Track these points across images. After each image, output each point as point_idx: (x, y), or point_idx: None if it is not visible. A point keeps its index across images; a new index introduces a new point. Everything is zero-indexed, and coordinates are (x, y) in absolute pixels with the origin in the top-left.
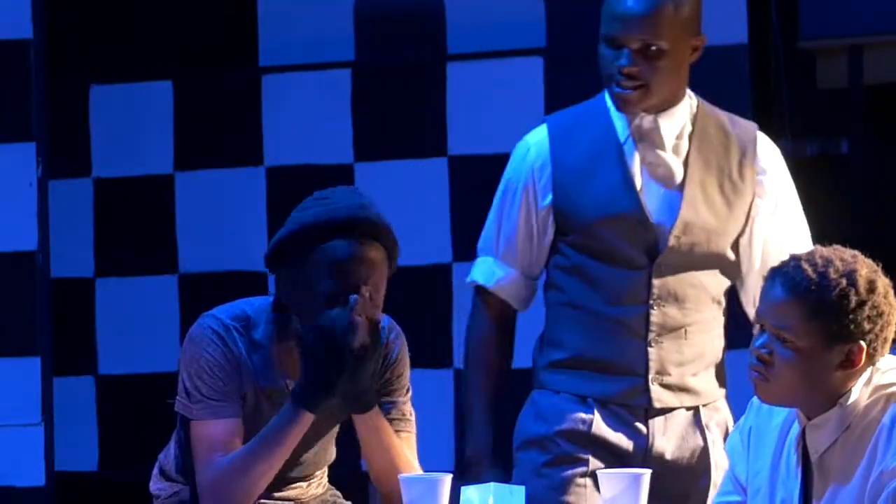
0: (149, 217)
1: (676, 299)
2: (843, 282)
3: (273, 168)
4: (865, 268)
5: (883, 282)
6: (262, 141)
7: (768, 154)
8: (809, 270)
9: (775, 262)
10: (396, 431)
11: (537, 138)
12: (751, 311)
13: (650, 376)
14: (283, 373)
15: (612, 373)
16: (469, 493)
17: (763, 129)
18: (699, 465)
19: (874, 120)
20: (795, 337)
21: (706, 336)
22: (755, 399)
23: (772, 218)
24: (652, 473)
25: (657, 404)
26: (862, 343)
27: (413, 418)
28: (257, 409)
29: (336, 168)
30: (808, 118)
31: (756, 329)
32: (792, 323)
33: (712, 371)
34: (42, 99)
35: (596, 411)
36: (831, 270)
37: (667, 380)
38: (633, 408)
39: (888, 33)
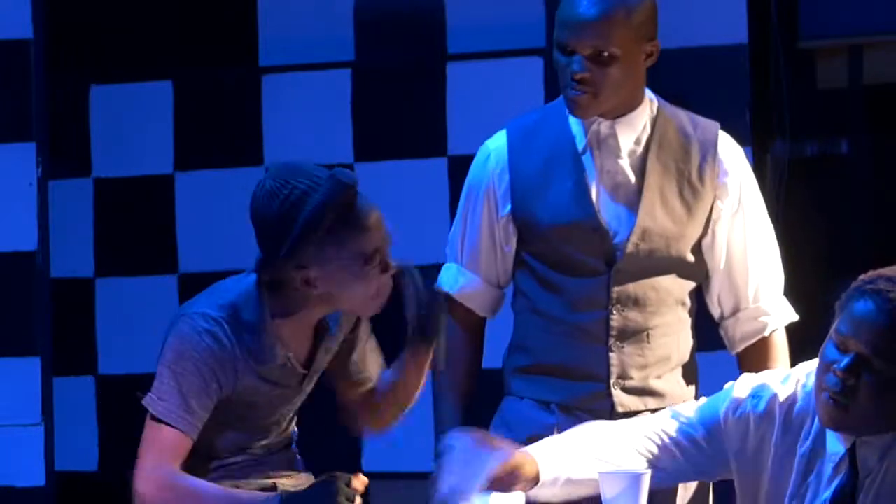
0: (149, 217)
1: (637, 303)
2: None
3: None
4: None
5: None
6: (262, 141)
7: (730, 154)
8: None
9: (740, 264)
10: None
11: (497, 144)
12: (716, 311)
13: (612, 381)
14: (279, 348)
15: (573, 378)
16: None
17: (763, 129)
18: None
19: (874, 120)
20: (888, 365)
21: (670, 339)
22: (767, 393)
23: (734, 219)
24: None
25: (620, 409)
26: None
27: None
28: (255, 389)
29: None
30: (808, 118)
31: (837, 346)
32: (890, 349)
33: (679, 372)
34: (42, 99)
35: (559, 417)
36: None
37: (629, 384)
38: (597, 412)
39: (888, 33)
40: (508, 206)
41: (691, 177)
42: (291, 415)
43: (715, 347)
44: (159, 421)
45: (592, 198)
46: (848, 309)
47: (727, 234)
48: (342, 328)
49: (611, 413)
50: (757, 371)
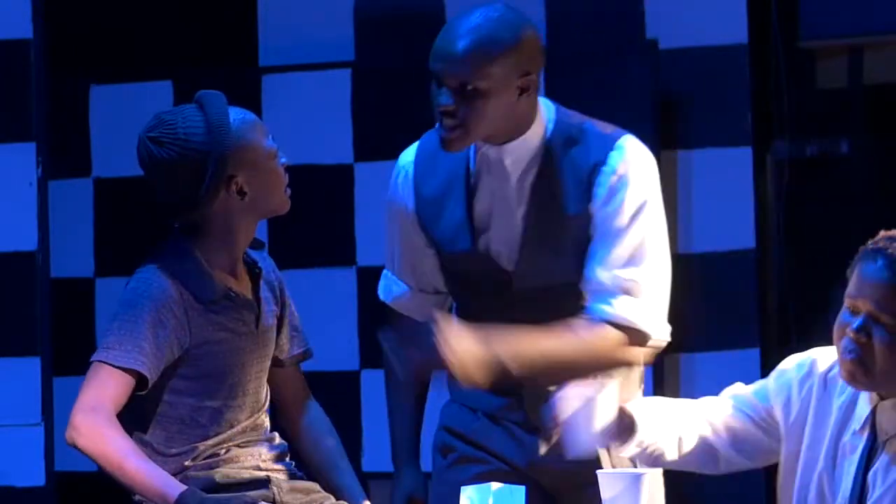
0: (149, 217)
1: (541, 324)
2: None
3: None
4: None
5: None
6: None
7: (617, 162)
8: None
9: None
10: (301, 363)
11: (406, 160)
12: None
13: (526, 393)
14: (217, 281)
15: (490, 390)
16: (469, 493)
17: (763, 129)
18: (590, 468)
19: (874, 120)
20: (892, 325)
21: None
22: (810, 359)
23: (603, 213)
24: (540, 478)
25: (537, 421)
26: None
27: None
28: (211, 335)
29: (336, 168)
30: (808, 118)
31: (850, 310)
32: (894, 310)
33: None
34: (42, 99)
35: (482, 421)
36: None
37: (543, 396)
38: (516, 421)
39: (888, 33)
40: (417, 226)
41: (575, 198)
42: (260, 380)
43: (715, 348)
44: (98, 362)
45: (479, 227)
46: (856, 272)
47: (597, 228)
48: (276, 285)
49: (526, 423)
50: None
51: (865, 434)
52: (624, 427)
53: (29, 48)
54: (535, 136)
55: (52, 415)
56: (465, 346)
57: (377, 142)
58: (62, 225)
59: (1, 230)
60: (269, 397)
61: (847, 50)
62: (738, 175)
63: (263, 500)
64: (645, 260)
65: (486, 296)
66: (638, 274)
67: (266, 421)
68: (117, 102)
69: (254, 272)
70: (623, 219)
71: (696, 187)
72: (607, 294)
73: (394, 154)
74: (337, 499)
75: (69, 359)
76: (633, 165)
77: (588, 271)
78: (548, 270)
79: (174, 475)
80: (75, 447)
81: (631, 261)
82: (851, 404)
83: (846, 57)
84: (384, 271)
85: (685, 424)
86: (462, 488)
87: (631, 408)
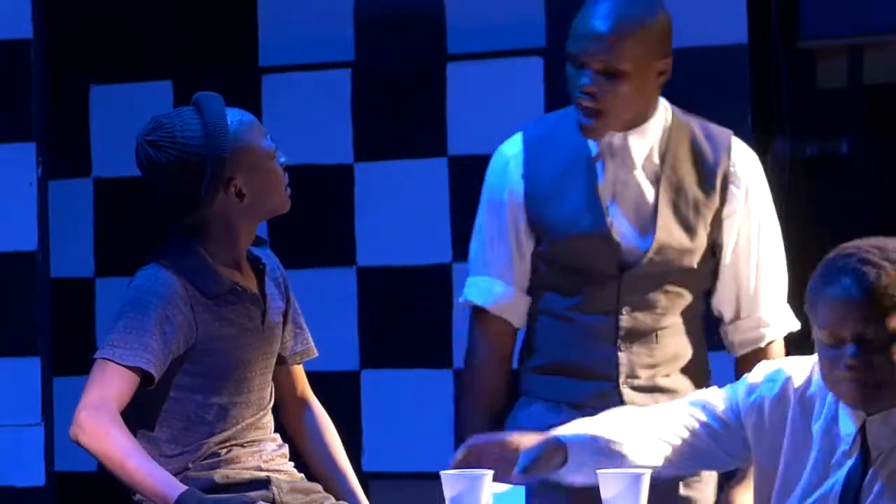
0: (149, 217)
1: (646, 306)
2: None
3: None
4: None
5: None
6: None
7: (741, 162)
8: (876, 255)
9: (743, 272)
10: (303, 361)
11: (514, 151)
12: (717, 315)
13: (620, 380)
14: (222, 275)
15: (583, 377)
16: None
17: (763, 129)
18: None
19: (874, 120)
20: (880, 334)
21: (679, 338)
22: (782, 375)
23: (741, 226)
24: None
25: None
26: None
27: None
28: (217, 332)
29: (336, 168)
30: (808, 118)
31: (828, 344)
32: (876, 320)
33: (688, 370)
34: (42, 99)
35: (569, 416)
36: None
37: (637, 382)
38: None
39: (888, 33)
40: (524, 216)
41: (704, 188)
42: (265, 377)
43: (720, 347)
44: (103, 359)
45: (604, 209)
46: (820, 304)
47: (733, 241)
48: (281, 282)
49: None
50: None
51: (855, 453)
52: (554, 455)
53: (29, 48)
54: (658, 122)
55: (52, 415)
56: None
57: (377, 142)
58: (62, 225)
59: (1, 230)
60: (273, 397)
61: (847, 50)
62: None
63: (263, 501)
64: (780, 266)
65: (597, 283)
66: (779, 287)
67: (271, 421)
68: (117, 102)
69: (258, 268)
70: (762, 237)
71: None
72: (766, 324)
73: (394, 154)
74: (337, 499)
75: (69, 359)
76: (757, 168)
77: (745, 306)
78: (680, 252)
79: (175, 474)
80: (78, 444)
81: (776, 283)
82: (832, 425)
83: (846, 57)
84: (473, 278)
85: (640, 442)
86: None
87: (568, 437)
